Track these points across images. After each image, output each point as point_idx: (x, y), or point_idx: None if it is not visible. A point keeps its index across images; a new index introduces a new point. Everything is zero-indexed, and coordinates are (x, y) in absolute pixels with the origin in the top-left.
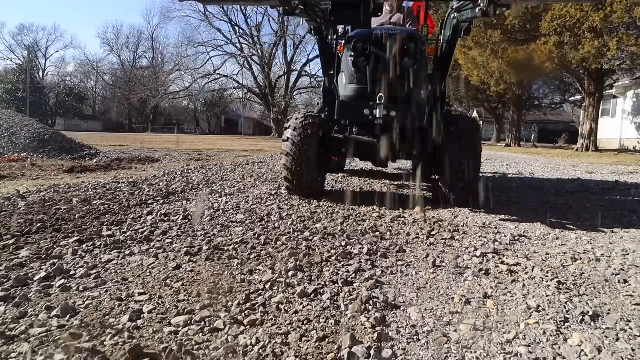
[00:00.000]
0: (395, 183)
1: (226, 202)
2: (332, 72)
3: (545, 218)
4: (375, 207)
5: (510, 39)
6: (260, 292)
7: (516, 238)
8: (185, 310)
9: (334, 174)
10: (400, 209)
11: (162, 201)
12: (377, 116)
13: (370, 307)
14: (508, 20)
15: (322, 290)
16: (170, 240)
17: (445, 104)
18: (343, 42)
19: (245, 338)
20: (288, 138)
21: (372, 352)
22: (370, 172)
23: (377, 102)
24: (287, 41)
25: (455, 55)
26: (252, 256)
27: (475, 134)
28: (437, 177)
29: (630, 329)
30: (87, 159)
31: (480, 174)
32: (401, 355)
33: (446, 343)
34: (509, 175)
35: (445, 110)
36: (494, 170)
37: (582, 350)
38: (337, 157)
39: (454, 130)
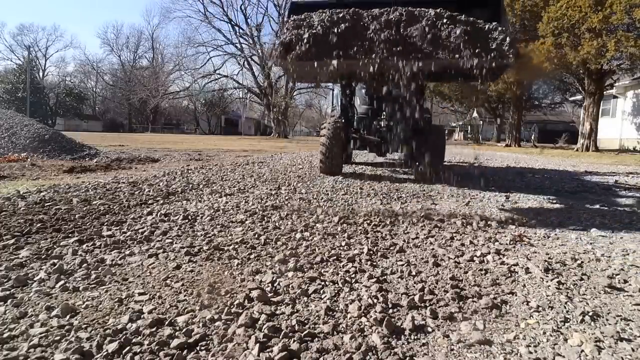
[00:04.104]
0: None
1: (226, 202)
2: (349, 93)
3: (545, 218)
4: (374, 205)
5: None
6: (260, 292)
7: (516, 238)
8: (186, 310)
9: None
10: (401, 209)
11: (162, 201)
12: (382, 126)
13: (370, 308)
14: None
15: (322, 291)
16: (170, 240)
17: (425, 114)
18: None
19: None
20: (324, 136)
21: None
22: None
23: (381, 117)
24: None
25: None
26: (252, 256)
27: (442, 137)
28: (417, 163)
29: (630, 329)
30: (87, 159)
31: (481, 173)
32: (403, 355)
33: (447, 343)
34: (509, 176)
35: (425, 118)
36: (494, 170)
37: (582, 350)
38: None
39: (428, 134)
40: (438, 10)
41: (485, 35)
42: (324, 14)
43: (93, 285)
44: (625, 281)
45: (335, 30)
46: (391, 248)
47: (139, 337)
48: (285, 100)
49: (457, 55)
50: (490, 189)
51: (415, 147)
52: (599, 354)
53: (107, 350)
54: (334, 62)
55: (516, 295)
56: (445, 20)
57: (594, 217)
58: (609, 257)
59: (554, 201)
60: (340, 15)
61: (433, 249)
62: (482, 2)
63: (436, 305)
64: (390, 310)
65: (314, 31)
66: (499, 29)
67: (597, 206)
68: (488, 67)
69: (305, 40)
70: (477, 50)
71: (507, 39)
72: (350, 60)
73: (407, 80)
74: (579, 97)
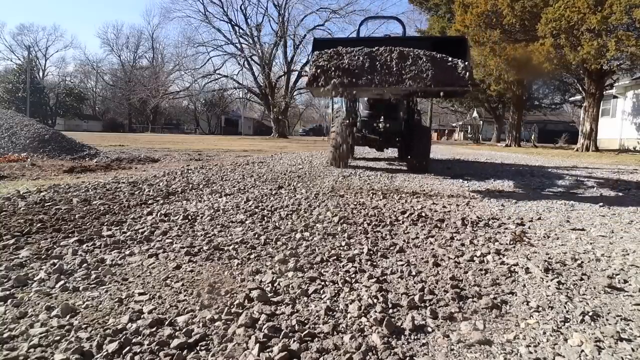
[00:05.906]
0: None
1: (226, 202)
2: (354, 100)
3: (546, 218)
4: (374, 204)
5: (510, 38)
6: (260, 292)
7: (516, 238)
8: (186, 310)
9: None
10: (401, 209)
11: (162, 201)
12: (380, 127)
13: (370, 308)
14: (506, 20)
15: (322, 291)
16: (170, 240)
17: (415, 115)
18: None
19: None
20: (334, 133)
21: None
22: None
23: (380, 120)
24: (287, 41)
25: None
26: (252, 256)
27: (428, 136)
28: (409, 157)
29: (630, 329)
30: (87, 159)
31: (481, 173)
32: (403, 355)
33: (447, 343)
34: (509, 175)
35: (415, 119)
36: (495, 170)
37: (582, 350)
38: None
39: (418, 133)
40: (421, 50)
41: (453, 69)
42: (339, 54)
43: (93, 285)
44: (625, 281)
45: (348, 64)
46: (391, 248)
47: (139, 337)
48: (285, 100)
49: (431, 85)
50: (490, 188)
51: (407, 144)
52: (599, 354)
53: (107, 350)
54: (350, 88)
55: (516, 295)
56: (424, 59)
57: (594, 217)
58: (609, 257)
59: (554, 201)
60: (355, 52)
61: (433, 249)
62: (455, 46)
63: (436, 305)
64: (390, 310)
65: (331, 70)
66: (462, 65)
67: (597, 206)
68: (454, 91)
69: (326, 74)
70: (446, 79)
71: (467, 73)
72: (361, 87)
73: (399, 96)
74: (578, 97)
